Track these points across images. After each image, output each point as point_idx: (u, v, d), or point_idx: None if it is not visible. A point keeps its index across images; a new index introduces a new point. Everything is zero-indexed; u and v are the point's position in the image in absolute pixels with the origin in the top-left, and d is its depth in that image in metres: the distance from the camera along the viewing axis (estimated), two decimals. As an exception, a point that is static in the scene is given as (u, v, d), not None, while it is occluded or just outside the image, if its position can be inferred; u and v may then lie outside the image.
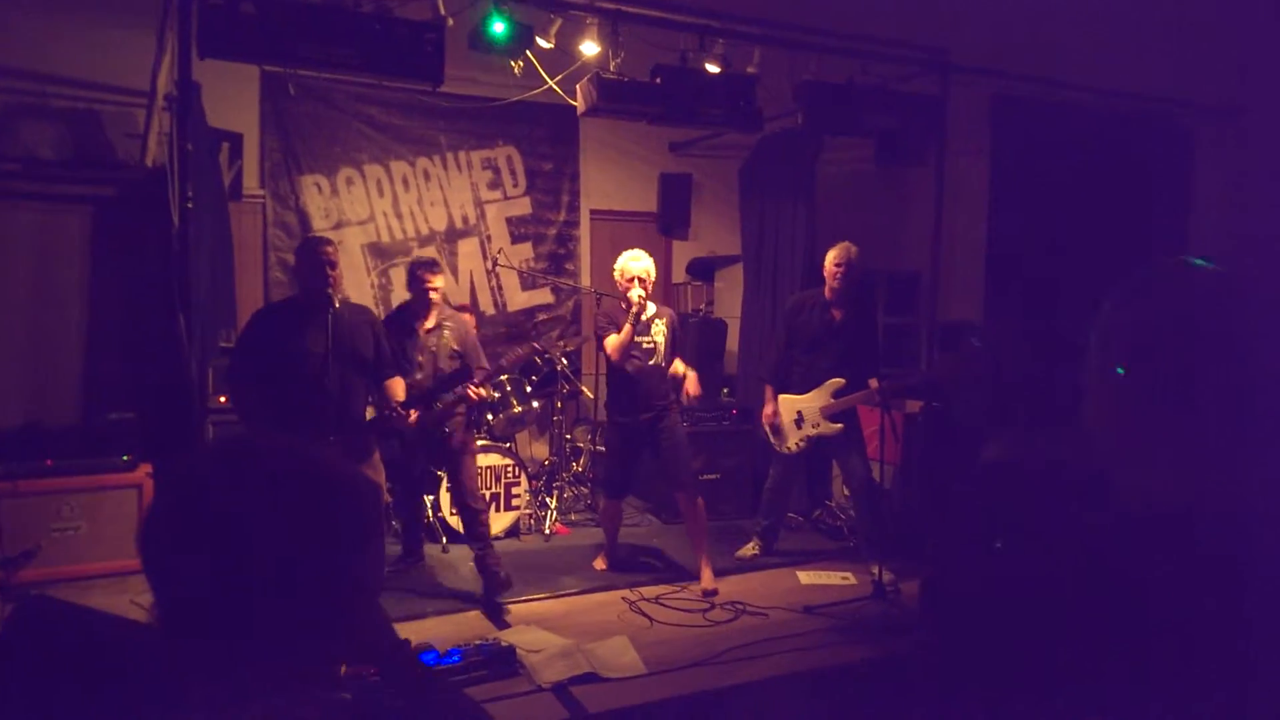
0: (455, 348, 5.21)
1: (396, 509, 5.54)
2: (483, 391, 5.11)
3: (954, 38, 6.03)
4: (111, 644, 1.09)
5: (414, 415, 4.71)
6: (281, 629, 1.04)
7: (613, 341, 5.14)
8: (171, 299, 4.80)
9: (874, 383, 5.39)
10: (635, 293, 5.07)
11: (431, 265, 5.29)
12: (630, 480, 5.48)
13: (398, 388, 4.63)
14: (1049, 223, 5.91)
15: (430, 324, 5.21)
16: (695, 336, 7.11)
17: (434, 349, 5.20)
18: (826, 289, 5.57)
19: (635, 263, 5.14)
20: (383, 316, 6.39)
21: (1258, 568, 1.02)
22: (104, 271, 5.89)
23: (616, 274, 5.18)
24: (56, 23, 5.73)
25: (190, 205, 4.49)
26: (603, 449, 7.00)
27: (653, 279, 5.18)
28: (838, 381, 5.47)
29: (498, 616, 4.72)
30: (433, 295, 5.16)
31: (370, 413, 4.69)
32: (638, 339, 5.14)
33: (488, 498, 5.95)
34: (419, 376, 5.09)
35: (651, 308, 5.22)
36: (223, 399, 5.38)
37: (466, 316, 6.47)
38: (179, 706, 1.00)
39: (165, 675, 1.02)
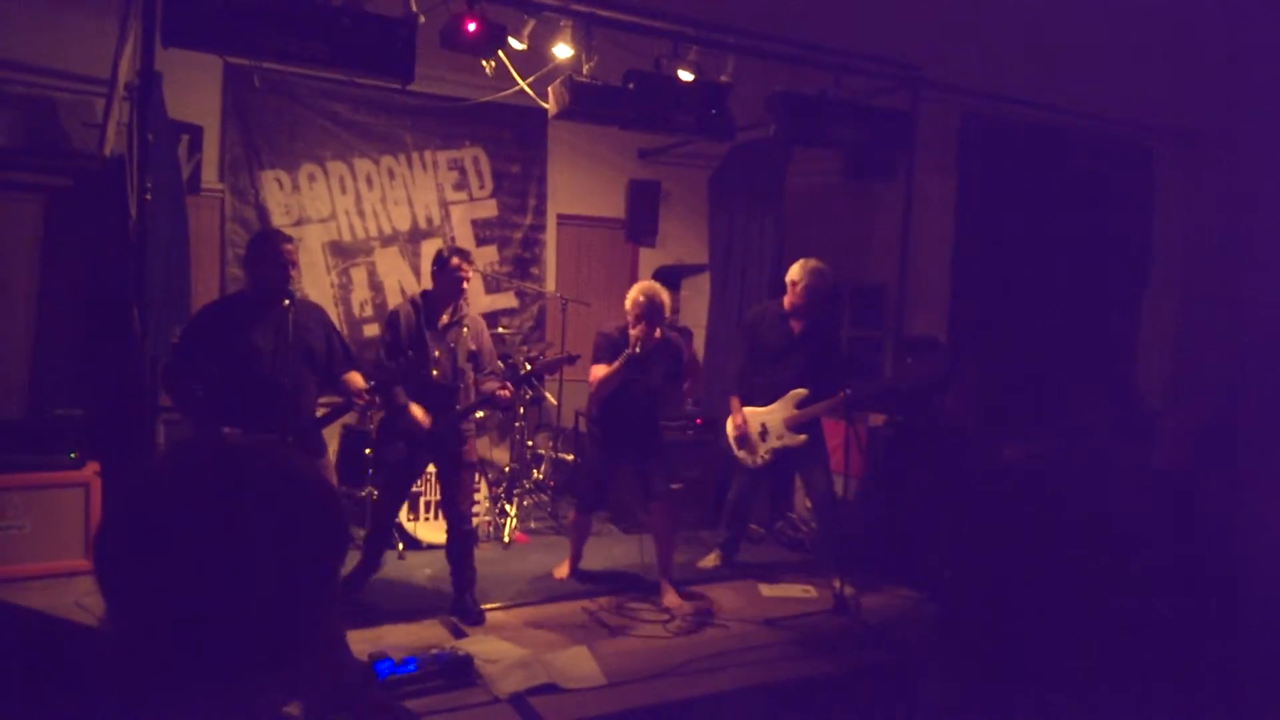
0: (472, 347, 4.88)
1: (378, 512, 5.13)
2: (509, 391, 4.85)
3: (925, 55, 6.06)
4: (54, 646, 1.04)
5: (426, 419, 4.59)
6: (245, 646, 0.98)
7: (596, 374, 4.98)
8: (125, 293, 4.67)
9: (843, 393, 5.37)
10: (637, 333, 4.83)
11: (467, 254, 4.90)
12: (604, 496, 5.39)
13: (356, 379, 4.52)
14: (1015, 240, 5.97)
15: (446, 319, 4.83)
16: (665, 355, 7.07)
17: (453, 345, 4.82)
18: (785, 301, 5.54)
19: (645, 294, 4.86)
20: (340, 316, 6.29)
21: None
22: (55, 262, 5.72)
23: (628, 304, 4.93)
24: (12, 6, 5.56)
25: (149, 197, 4.37)
26: (567, 456, 6.96)
27: (667, 312, 4.92)
28: (800, 392, 5.45)
29: (456, 627, 4.64)
30: (466, 285, 4.82)
31: (320, 411, 4.57)
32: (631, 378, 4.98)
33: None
34: (435, 374, 4.76)
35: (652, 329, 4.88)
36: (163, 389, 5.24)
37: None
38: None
39: (111, 682, 0.97)
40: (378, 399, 4.54)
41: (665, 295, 4.95)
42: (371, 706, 1.22)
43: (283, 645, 1.02)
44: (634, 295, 4.93)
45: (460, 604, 4.79)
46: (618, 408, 5.05)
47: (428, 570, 5.36)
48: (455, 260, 4.76)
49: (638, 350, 4.83)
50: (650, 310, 4.85)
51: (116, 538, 0.99)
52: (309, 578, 1.03)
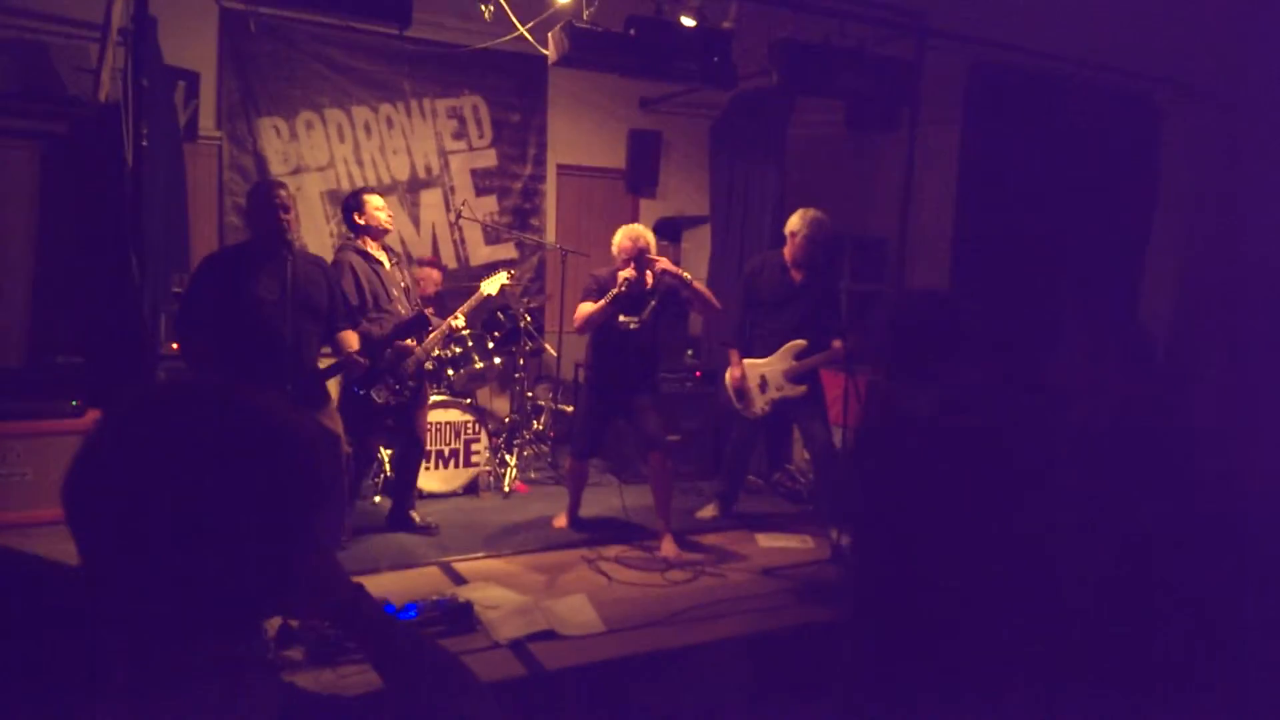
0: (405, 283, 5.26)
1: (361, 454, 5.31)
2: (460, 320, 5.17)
3: (931, 3, 5.96)
4: (56, 592, 1.04)
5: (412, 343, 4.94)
6: (217, 588, 0.97)
7: (582, 311, 5.02)
8: (123, 240, 4.65)
9: (837, 343, 5.39)
10: (625, 274, 4.93)
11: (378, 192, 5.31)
12: (599, 442, 5.42)
13: (351, 339, 4.57)
14: (1018, 192, 5.91)
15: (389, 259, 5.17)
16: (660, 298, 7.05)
17: (405, 283, 5.23)
18: (786, 251, 5.54)
19: (629, 238, 4.99)
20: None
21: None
22: (53, 210, 5.68)
23: (614, 249, 5.04)
24: (3, -53, 5.47)
25: (145, 144, 4.32)
26: (566, 408, 6.99)
27: (652, 251, 5.02)
28: (799, 343, 5.46)
29: (456, 574, 4.69)
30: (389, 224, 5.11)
31: (324, 363, 4.59)
32: (624, 318, 5.03)
33: (446, 454, 5.90)
34: (402, 310, 5.05)
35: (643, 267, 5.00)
36: (175, 345, 5.25)
37: (432, 271, 6.38)
38: (102, 689, 0.95)
39: (98, 629, 0.98)
40: (366, 360, 4.58)
41: (649, 236, 5.06)
42: (365, 624, 1.22)
43: (258, 596, 1.02)
44: (619, 240, 5.03)
45: (408, 516, 5.25)
46: (614, 354, 5.10)
47: (430, 519, 5.40)
48: (369, 198, 5.06)
49: (624, 289, 4.89)
50: (636, 253, 4.95)
51: (86, 478, 0.98)
52: (285, 527, 1.02)
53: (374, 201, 5.03)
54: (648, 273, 4.99)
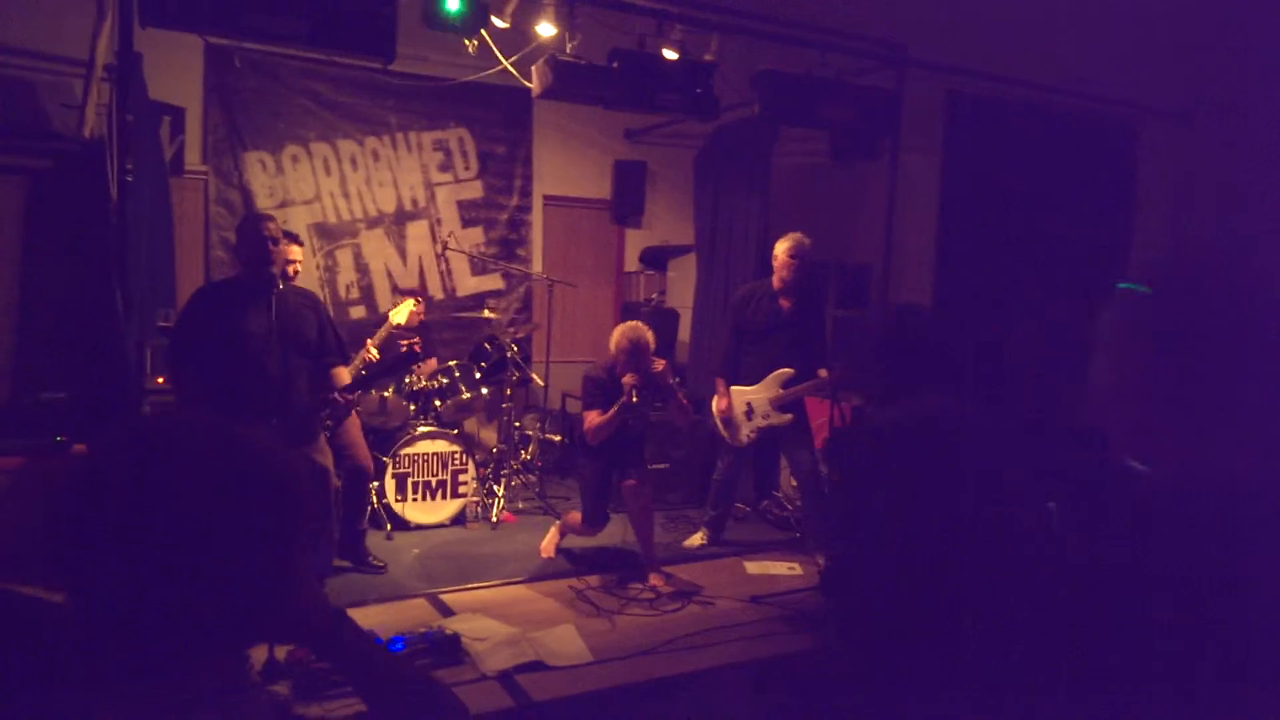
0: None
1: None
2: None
3: (911, 33, 6.05)
4: (48, 628, 1.05)
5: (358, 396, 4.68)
6: (206, 616, 0.99)
7: (591, 420, 4.94)
8: (109, 275, 4.65)
9: (823, 372, 5.42)
10: (630, 382, 4.79)
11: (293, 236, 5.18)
12: (607, 507, 5.25)
13: (343, 375, 4.53)
14: (1000, 219, 5.97)
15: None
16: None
17: None
18: (775, 279, 5.58)
19: (629, 339, 4.83)
20: (326, 299, 6.30)
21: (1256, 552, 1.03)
22: (38, 245, 5.66)
23: (613, 348, 4.90)
24: (-12, -14, 5.51)
25: (129, 179, 4.34)
26: (554, 437, 7.00)
27: (651, 351, 4.87)
28: (786, 372, 5.49)
29: (443, 606, 4.66)
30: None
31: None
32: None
33: (434, 485, 5.88)
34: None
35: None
36: (160, 380, 5.24)
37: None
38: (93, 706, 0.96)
39: (86, 661, 0.99)
40: (359, 396, 4.54)
41: (649, 335, 4.91)
42: (348, 649, 1.22)
43: (246, 623, 1.04)
44: (617, 340, 4.87)
45: (363, 550, 5.07)
46: (613, 440, 5.01)
47: (415, 550, 5.37)
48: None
49: (634, 399, 4.79)
50: (636, 355, 4.81)
51: (73, 513, 0.99)
52: (273, 557, 1.03)
53: (289, 252, 4.98)
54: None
